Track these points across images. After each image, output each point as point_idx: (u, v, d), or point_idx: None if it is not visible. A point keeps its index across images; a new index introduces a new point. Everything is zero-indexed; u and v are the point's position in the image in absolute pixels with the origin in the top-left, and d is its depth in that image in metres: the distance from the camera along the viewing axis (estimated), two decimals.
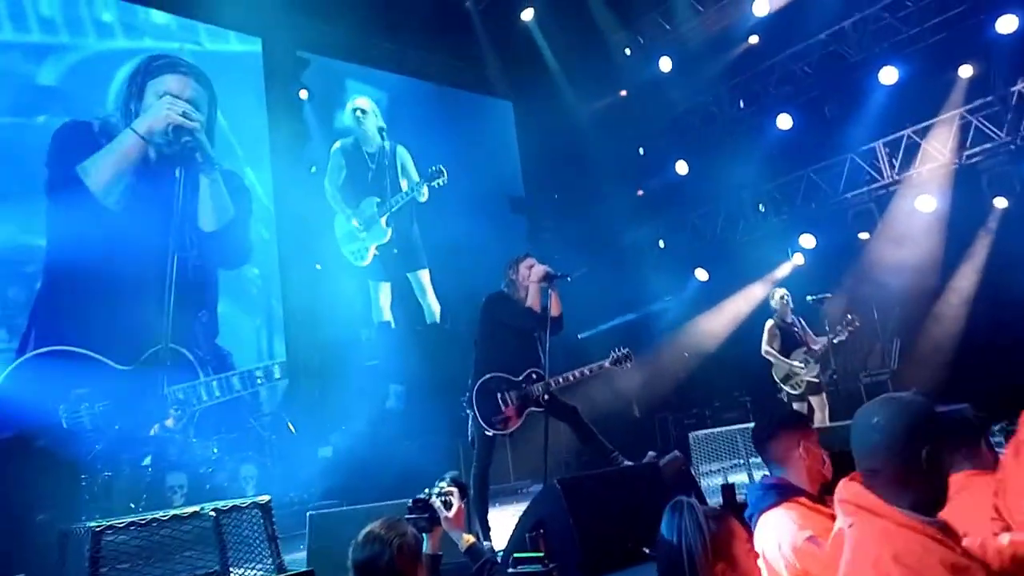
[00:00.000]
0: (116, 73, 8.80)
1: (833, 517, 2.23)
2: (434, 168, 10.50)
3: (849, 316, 7.49)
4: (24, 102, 8.16)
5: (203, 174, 8.94)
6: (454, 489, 2.80)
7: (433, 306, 11.00)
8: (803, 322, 7.77)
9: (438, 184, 10.46)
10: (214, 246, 8.94)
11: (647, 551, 2.87)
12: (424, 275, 10.99)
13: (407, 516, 2.69)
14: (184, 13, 9.53)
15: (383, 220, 10.65)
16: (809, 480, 2.65)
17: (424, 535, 2.68)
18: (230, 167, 9.44)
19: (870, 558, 1.66)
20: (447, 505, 2.77)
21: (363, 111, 10.89)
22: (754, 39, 10.83)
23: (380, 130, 10.90)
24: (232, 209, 9.17)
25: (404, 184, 10.97)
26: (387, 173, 10.80)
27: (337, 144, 10.75)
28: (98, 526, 3.60)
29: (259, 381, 8.62)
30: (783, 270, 11.03)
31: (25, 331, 7.70)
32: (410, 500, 2.80)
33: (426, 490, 2.83)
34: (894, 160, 10.04)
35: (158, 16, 9.39)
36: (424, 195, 10.79)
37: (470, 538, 2.81)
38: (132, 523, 3.69)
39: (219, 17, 9.64)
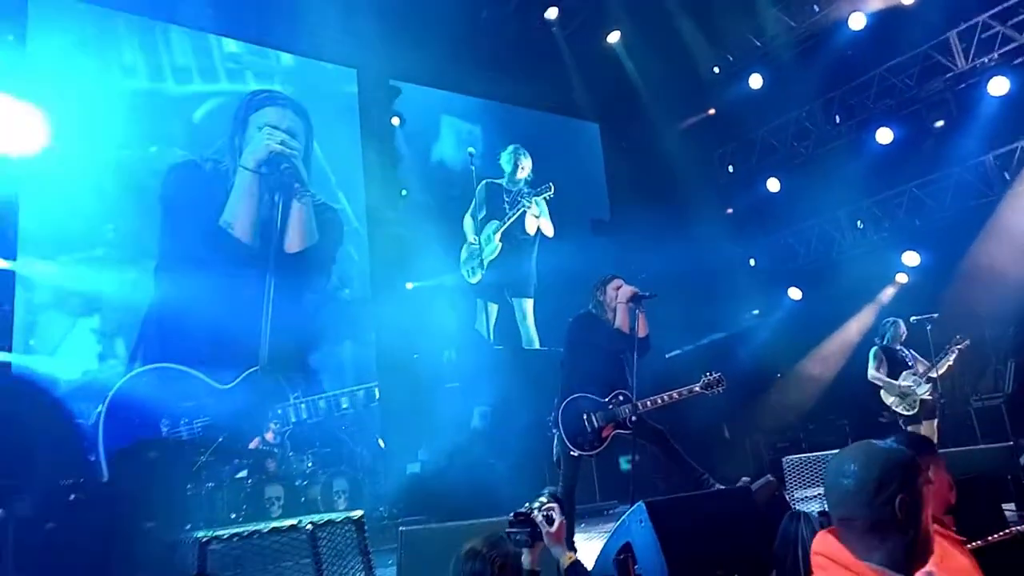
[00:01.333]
0: (200, 108, 9.22)
1: (956, 541, 2.15)
2: (542, 187, 11.38)
3: (957, 337, 7.11)
4: (135, 135, 8.64)
5: (296, 199, 9.34)
6: (555, 504, 2.72)
7: (531, 333, 11.32)
8: (911, 350, 7.42)
9: (546, 198, 11.26)
10: (299, 268, 9.30)
11: None
12: (528, 303, 11.45)
13: (508, 530, 2.65)
14: (285, 47, 10.01)
15: (497, 236, 11.27)
16: (935, 504, 2.56)
17: (524, 550, 2.66)
18: (324, 193, 9.82)
19: None
20: (549, 520, 2.70)
21: (516, 158, 11.73)
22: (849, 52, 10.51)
23: (527, 180, 11.72)
24: (317, 235, 9.54)
25: (530, 224, 11.60)
26: (517, 206, 11.57)
27: (483, 182, 11.45)
28: (204, 536, 3.78)
29: (344, 406, 8.88)
30: (889, 292, 10.54)
31: (134, 347, 8.15)
32: (511, 514, 2.74)
33: (527, 504, 2.75)
34: (1006, 174, 9.48)
35: (260, 56, 9.87)
36: (543, 216, 11.51)
37: (572, 555, 2.73)
38: (235, 534, 3.87)
39: (318, 51, 10.10)
